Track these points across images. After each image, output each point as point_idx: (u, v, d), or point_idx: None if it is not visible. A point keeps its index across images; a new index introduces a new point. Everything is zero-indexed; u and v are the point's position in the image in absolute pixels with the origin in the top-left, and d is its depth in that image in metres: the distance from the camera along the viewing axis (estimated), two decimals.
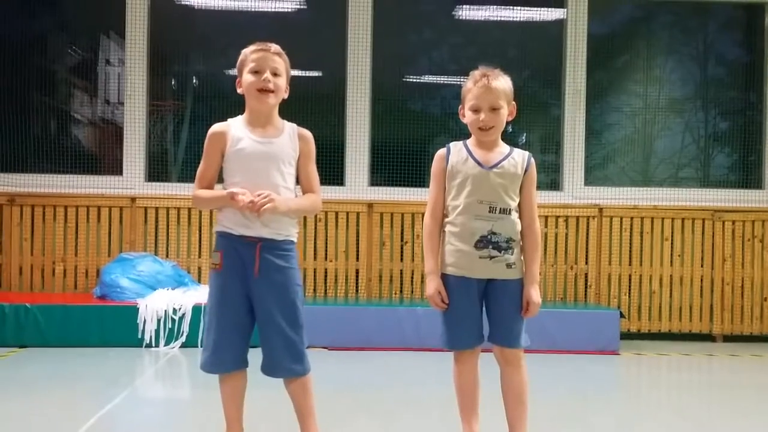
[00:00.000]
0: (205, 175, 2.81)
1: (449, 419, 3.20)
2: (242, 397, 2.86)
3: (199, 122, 6.83)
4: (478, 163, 2.87)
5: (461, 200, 2.86)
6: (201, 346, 2.88)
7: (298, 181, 2.88)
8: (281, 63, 2.80)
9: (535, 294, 2.85)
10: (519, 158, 2.91)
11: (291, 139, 2.82)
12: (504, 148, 2.93)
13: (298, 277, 2.81)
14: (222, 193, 2.73)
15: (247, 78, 2.77)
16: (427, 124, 6.82)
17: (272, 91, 2.76)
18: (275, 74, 2.77)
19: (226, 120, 2.86)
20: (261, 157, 2.75)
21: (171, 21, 6.72)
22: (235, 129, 2.80)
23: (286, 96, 2.85)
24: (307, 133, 2.87)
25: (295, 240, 2.83)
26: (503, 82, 2.87)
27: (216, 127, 2.82)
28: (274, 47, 2.81)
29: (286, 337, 2.75)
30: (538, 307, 2.86)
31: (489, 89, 2.83)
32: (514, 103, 2.92)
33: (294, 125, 2.87)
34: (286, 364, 2.76)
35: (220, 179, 2.85)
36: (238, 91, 2.84)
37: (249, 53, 2.80)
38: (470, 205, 2.84)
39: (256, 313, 2.77)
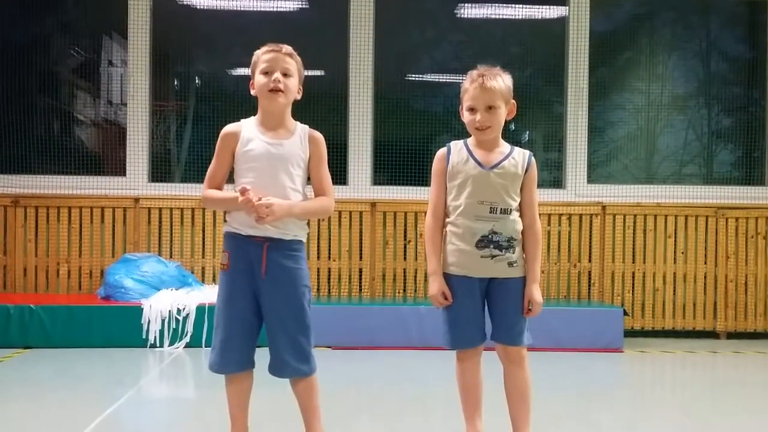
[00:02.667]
0: (215, 175, 2.82)
1: (453, 418, 3.21)
2: (248, 398, 2.86)
3: (202, 122, 6.85)
4: (479, 164, 2.87)
5: (462, 201, 2.87)
6: (208, 346, 2.88)
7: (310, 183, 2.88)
8: (293, 64, 2.80)
9: (536, 293, 2.86)
10: (519, 158, 2.91)
11: (301, 142, 2.82)
12: (504, 147, 2.93)
13: (306, 278, 2.81)
14: (231, 195, 2.74)
15: (259, 79, 2.77)
16: (429, 123, 6.81)
17: (282, 92, 2.75)
18: (286, 75, 2.77)
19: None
20: (270, 158, 2.75)
21: (173, 21, 6.73)
22: (246, 130, 2.80)
23: (299, 97, 2.85)
24: (319, 136, 2.87)
25: (303, 240, 2.83)
26: (500, 82, 2.86)
27: (228, 128, 2.82)
28: (286, 48, 2.80)
29: (293, 337, 2.75)
30: (540, 306, 2.87)
31: (484, 89, 2.83)
32: (513, 102, 2.92)
33: (306, 127, 2.86)
34: (293, 364, 2.76)
35: (231, 180, 2.85)
36: (251, 92, 2.84)
37: (261, 54, 2.80)
38: (471, 205, 2.85)
39: (263, 313, 2.77)
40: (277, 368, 2.79)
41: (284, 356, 2.76)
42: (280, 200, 2.70)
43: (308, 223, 2.88)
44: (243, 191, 2.66)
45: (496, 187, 2.85)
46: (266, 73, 2.76)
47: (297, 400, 2.86)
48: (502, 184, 2.86)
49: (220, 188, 2.82)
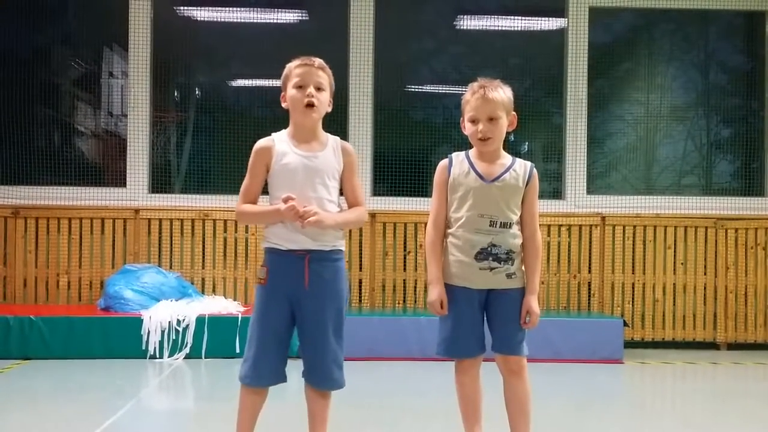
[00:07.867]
0: (249, 190, 2.81)
1: (453, 429, 3.20)
2: (259, 412, 2.85)
3: (202, 133, 6.86)
4: (480, 177, 2.89)
5: (462, 213, 2.88)
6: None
7: (341, 193, 2.88)
8: (325, 77, 2.81)
9: (534, 304, 2.87)
10: (521, 170, 2.92)
11: (335, 153, 2.82)
12: (506, 159, 2.95)
13: (346, 289, 2.82)
14: (270, 207, 2.75)
15: (292, 93, 2.77)
16: (429, 134, 6.83)
17: (315, 106, 2.76)
18: (319, 89, 2.77)
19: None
20: (306, 171, 2.75)
21: (174, 33, 6.74)
22: (279, 144, 2.79)
23: (329, 110, 2.85)
24: (350, 147, 2.88)
25: (343, 249, 2.84)
26: (501, 93, 2.89)
27: (261, 143, 2.81)
28: (318, 62, 2.81)
29: (334, 349, 2.77)
30: (537, 318, 2.88)
31: (486, 100, 2.86)
32: (514, 113, 2.94)
33: (337, 138, 2.87)
34: (335, 375, 2.78)
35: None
36: (283, 105, 2.84)
37: (293, 68, 2.80)
38: (471, 218, 2.86)
39: (303, 324, 2.76)
40: (319, 379, 2.79)
41: (330, 367, 2.76)
42: (322, 210, 2.71)
43: None
44: (287, 199, 2.66)
45: (496, 201, 2.86)
46: (299, 87, 2.76)
47: (311, 411, 2.84)
48: (502, 197, 2.87)
49: (254, 203, 2.82)
